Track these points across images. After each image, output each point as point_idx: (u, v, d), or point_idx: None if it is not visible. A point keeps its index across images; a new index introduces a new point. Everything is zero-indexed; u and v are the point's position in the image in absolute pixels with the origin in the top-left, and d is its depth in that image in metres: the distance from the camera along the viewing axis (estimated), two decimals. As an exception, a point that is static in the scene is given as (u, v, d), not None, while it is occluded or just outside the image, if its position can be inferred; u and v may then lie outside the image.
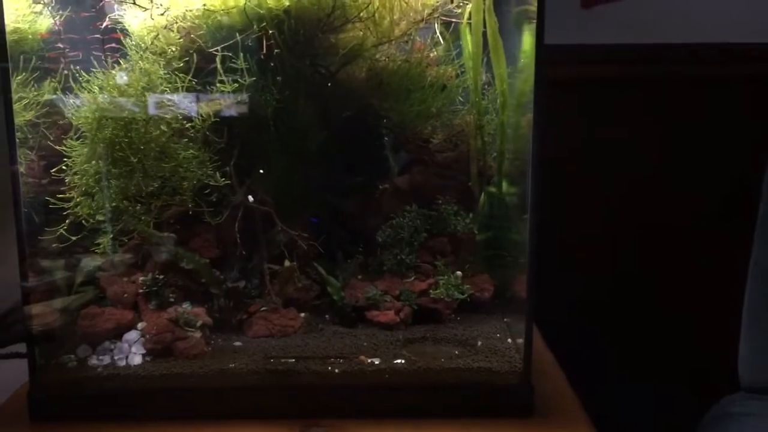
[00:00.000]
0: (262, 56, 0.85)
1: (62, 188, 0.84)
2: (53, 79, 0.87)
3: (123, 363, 0.84)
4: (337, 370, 0.84)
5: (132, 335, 0.86)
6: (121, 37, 0.89)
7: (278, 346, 0.88)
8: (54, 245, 0.85)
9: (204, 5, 0.84)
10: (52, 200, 0.84)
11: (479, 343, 0.88)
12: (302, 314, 0.92)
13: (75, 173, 0.84)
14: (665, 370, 1.36)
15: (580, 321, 1.29)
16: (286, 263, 0.90)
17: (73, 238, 0.84)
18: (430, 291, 0.93)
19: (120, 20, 0.89)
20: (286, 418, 0.81)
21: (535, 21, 0.79)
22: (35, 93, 0.86)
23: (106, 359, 0.85)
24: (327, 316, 0.93)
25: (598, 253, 1.33)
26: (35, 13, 0.91)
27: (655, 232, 1.33)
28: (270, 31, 0.84)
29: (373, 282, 0.93)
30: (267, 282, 0.90)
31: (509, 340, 0.89)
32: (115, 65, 0.87)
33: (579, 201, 1.31)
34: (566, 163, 1.26)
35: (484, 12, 0.92)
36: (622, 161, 1.32)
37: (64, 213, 0.85)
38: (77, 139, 0.85)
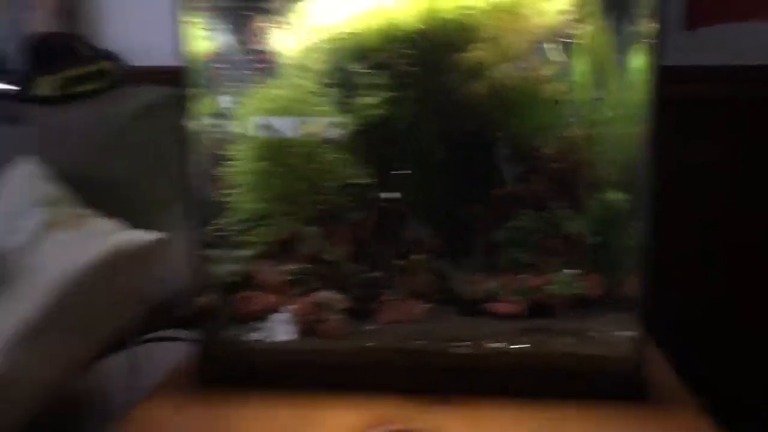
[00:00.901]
0: (398, 73, 0.96)
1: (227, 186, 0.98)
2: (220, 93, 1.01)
3: (273, 340, 0.96)
4: (461, 353, 0.93)
5: (280, 316, 0.98)
6: (274, 57, 1.02)
7: (407, 331, 0.98)
8: (217, 236, 0.98)
9: (349, 29, 0.97)
10: (218, 195, 0.97)
11: (593, 334, 0.96)
12: (428, 305, 1.02)
13: (238, 173, 0.97)
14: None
15: (675, 339, 1.33)
16: (415, 258, 1.00)
17: (235, 229, 0.97)
18: (546, 287, 1.01)
19: (273, 42, 1.02)
20: (416, 393, 0.91)
21: (646, 41, 0.88)
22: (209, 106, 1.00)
23: (258, 336, 0.97)
24: (450, 307, 1.02)
25: (691, 273, 1.37)
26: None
27: (747, 252, 1.35)
28: (406, 51, 0.96)
29: (492, 277, 1.02)
30: (397, 274, 1.00)
31: (621, 332, 0.96)
32: (269, 81, 1.01)
33: (673, 220, 1.36)
34: (661, 182, 1.31)
35: (598, 31, 1.01)
36: (714, 181, 1.36)
37: (227, 208, 0.98)
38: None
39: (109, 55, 1.57)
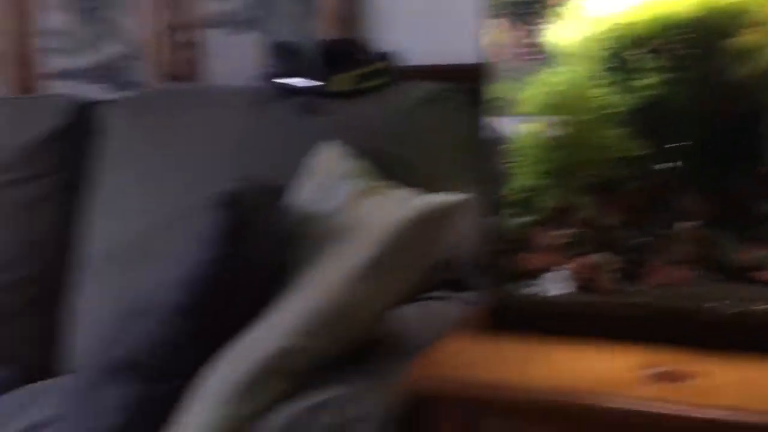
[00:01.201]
0: (673, 57, 1.06)
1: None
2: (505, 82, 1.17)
3: (550, 293, 1.10)
4: (726, 312, 1.01)
5: (556, 274, 1.12)
6: (553, 48, 1.16)
7: (674, 292, 1.07)
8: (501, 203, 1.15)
9: (627, 19, 1.09)
10: (503, 168, 1.13)
11: None
12: (695, 270, 1.10)
13: (520, 148, 1.13)
14: None
15: None
16: (686, 225, 1.09)
17: (517, 198, 1.13)
18: (815, 259, 1.06)
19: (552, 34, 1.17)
20: (680, 346, 1.00)
21: None
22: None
23: (537, 290, 1.12)
24: (716, 274, 1.10)
25: None
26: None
27: None
28: (682, 37, 1.06)
29: (760, 247, 1.08)
30: (668, 240, 1.10)
31: None
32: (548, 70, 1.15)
33: None
34: None
35: None
36: None
37: (510, 178, 1.14)
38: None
39: (384, 56, 1.80)
